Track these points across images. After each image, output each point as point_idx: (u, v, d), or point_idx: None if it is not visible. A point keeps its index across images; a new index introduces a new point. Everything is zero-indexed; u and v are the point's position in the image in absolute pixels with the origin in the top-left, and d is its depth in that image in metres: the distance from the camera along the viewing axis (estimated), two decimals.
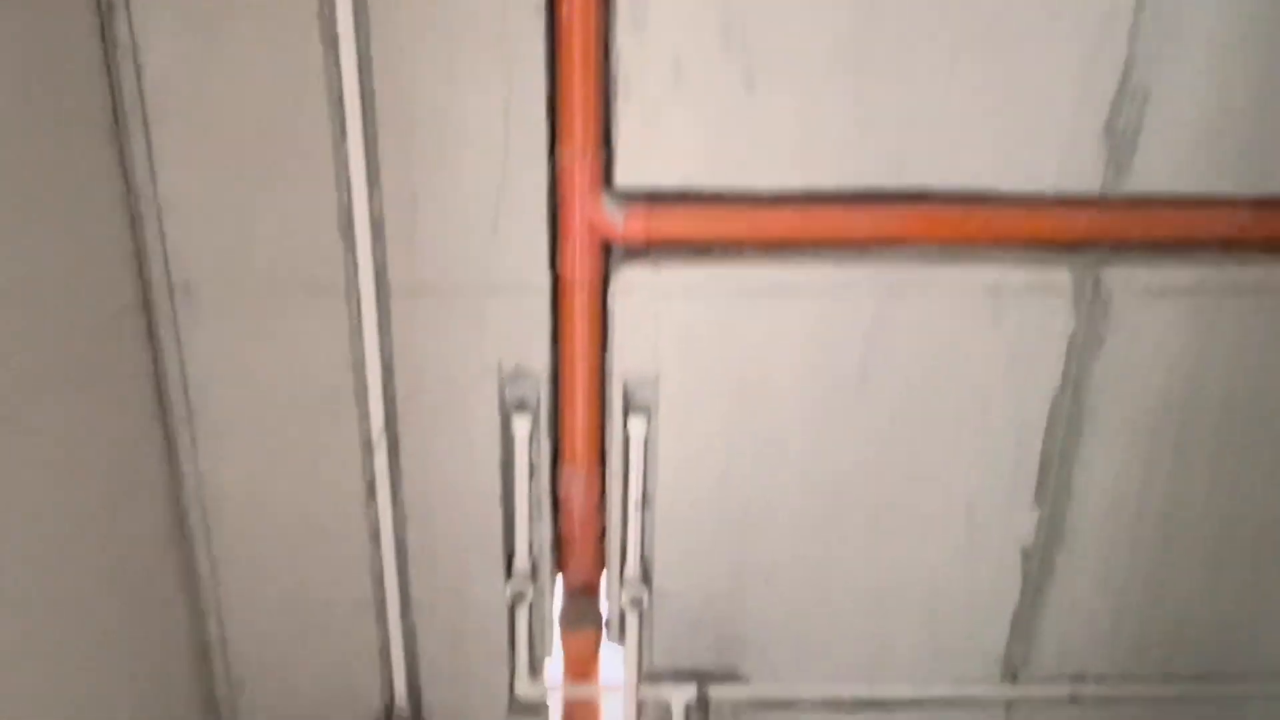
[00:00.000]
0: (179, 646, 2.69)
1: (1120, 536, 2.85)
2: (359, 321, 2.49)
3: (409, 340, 2.54)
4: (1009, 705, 3.05)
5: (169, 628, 2.63)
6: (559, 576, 2.91)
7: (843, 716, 3.03)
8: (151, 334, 2.46)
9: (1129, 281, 2.57)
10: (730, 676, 2.97)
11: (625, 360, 2.60)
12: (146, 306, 2.43)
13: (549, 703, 3.00)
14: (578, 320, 2.55)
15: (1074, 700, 3.03)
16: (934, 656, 2.97)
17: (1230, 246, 2.59)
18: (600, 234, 2.48)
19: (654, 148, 2.43)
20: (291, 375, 2.55)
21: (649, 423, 2.65)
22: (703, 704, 2.99)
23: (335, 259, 2.44)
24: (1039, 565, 2.87)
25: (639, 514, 2.75)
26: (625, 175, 2.44)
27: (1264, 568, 2.93)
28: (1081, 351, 2.63)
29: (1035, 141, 2.44)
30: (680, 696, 2.95)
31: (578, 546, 2.83)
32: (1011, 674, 3.01)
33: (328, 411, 2.59)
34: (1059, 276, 2.56)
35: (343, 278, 2.46)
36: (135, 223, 2.37)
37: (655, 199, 2.47)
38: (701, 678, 2.96)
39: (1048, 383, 2.65)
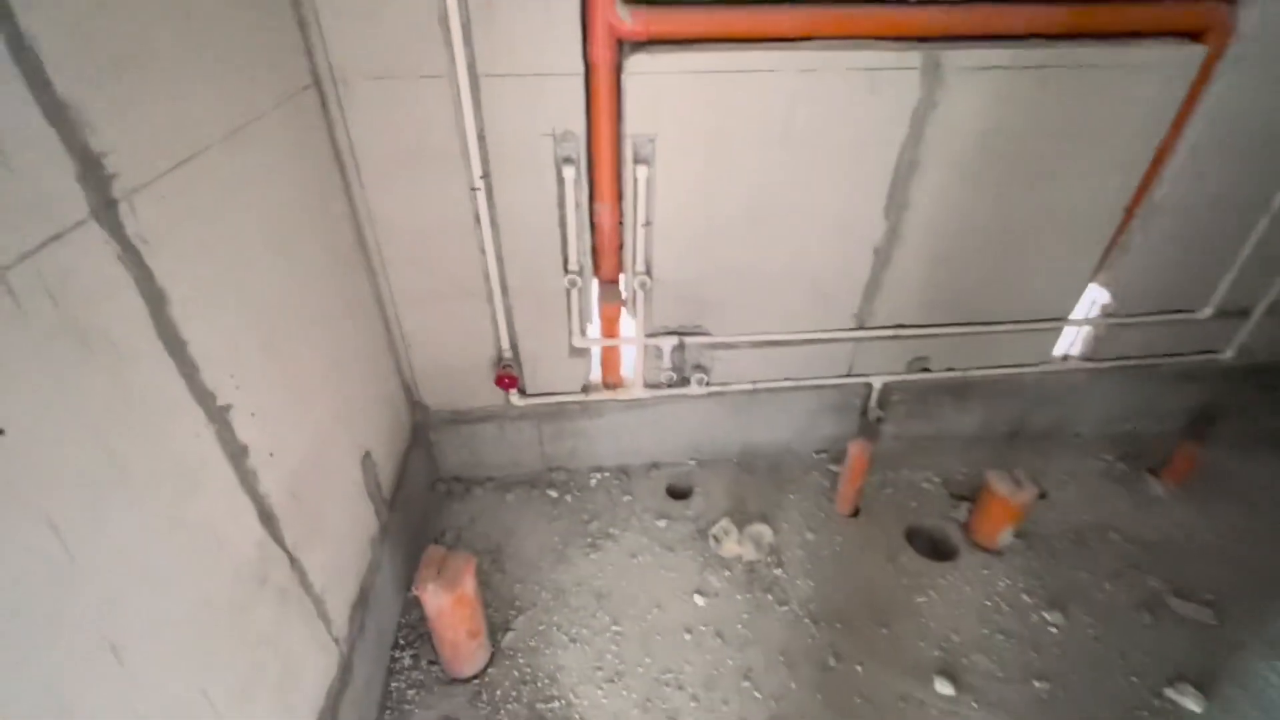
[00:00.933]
0: (372, 317, 2.62)
1: (934, 238, 2.78)
2: (458, 98, 2.23)
3: (494, 113, 2.30)
4: (858, 342, 3.10)
5: (366, 305, 2.55)
6: (595, 274, 2.83)
7: (762, 351, 3.06)
8: (324, 109, 2.20)
9: (958, 61, 2.34)
10: (698, 332, 2.97)
11: (634, 124, 2.38)
12: (319, 88, 2.16)
13: (591, 349, 3.01)
14: (602, 95, 2.30)
15: (895, 338, 3.08)
16: (817, 315, 2.97)
17: (1028, 36, 2.35)
18: (616, 32, 2.19)
19: None
20: (418, 138, 2.31)
21: (650, 169, 2.47)
22: (681, 347, 3.01)
23: (439, 53, 2.15)
24: (883, 258, 2.81)
25: (644, 232, 2.63)
26: None
27: (1018, 258, 2.89)
28: (924, 113, 2.43)
29: None
30: (668, 344, 2.96)
31: (606, 253, 2.73)
32: (861, 324, 3.03)
33: (444, 165, 2.39)
34: (913, 58, 2.32)
35: (446, 66, 2.17)
36: (302, 26, 2.05)
37: (654, 4, 2.17)
38: (681, 333, 2.96)
39: (900, 134, 2.48)
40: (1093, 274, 3.02)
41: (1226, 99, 2.52)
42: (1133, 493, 3.24)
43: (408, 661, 2.52)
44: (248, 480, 1.60)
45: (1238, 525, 3.05)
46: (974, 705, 2.38)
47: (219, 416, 1.50)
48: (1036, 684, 2.45)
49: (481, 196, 2.45)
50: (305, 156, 2.06)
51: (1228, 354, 3.32)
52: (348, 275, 2.37)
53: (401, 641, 2.59)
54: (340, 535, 2.16)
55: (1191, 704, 2.37)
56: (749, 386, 3.16)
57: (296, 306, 1.95)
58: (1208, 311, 3.15)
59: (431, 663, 2.51)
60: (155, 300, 1.31)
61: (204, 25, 1.53)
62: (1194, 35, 2.42)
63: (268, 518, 1.69)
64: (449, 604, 2.21)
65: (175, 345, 1.36)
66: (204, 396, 1.45)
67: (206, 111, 1.53)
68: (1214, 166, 2.70)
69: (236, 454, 1.56)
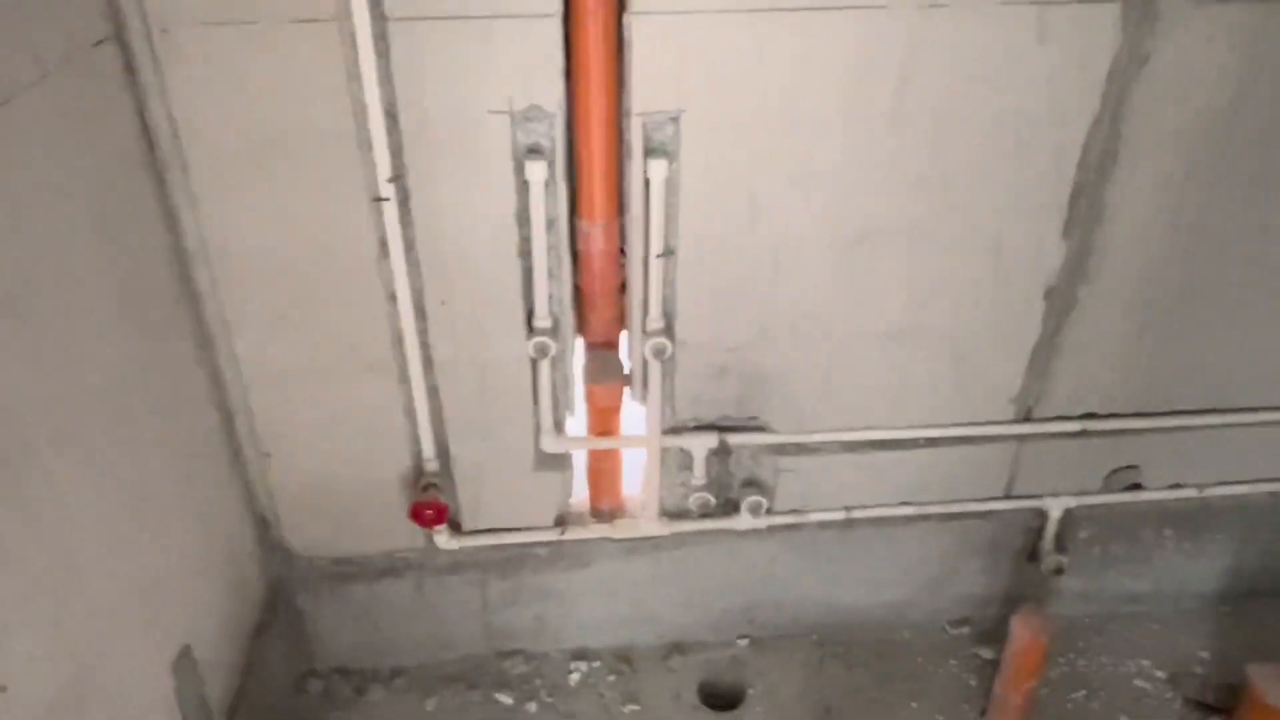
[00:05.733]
0: (201, 414, 2.48)
1: (1146, 273, 2.67)
2: (354, 53, 2.13)
3: (411, 76, 2.19)
4: (1021, 440, 2.96)
5: (190, 395, 2.41)
6: (579, 333, 2.71)
7: (860, 456, 2.93)
8: (131, 75, 2.11)
9: None
10: (751, 425, 2.84)
11: (644, 96, 2.28)
12: (121, 41, 2.06)
13: (572, 454, 2.87)
14: (592, 51, 2.20)
15: (1083, 434, 2.94)
16: (951, 398, 2.85)
17: None
18: None
19: None
20: (287, 117, 2.21)
21: (670, 165, 2.36)
22: (723, 450, 2.87)
23: None
24: (1062, 304, 2.70)
25: (662, 265, 2.51)
26: None
27: None
28: (1125, 71, 2.34)
29: None
30: (701, 445, 2.82)
31: (598, 300, 2.61)
32: (1025, 412, 2.89)
33: (328, 161, 2.28)
34: None
35: (335, 2, 2.08)
36: None
37: None
38: (723, 427, 2.82)
39: (1087, 107, 2.39)
40: None
41: None
42: None
43: None
44: None
45: None
46: None
47: None
48: None
49: (391, 210, 2.34)
50: (88, 154, 1.93)
51: None
52: (157, 347, 2.24)
53: None
54: None
55: None
56: (839, 515, 3.03)
57: (56, 423, 1.78)
58: None
59: None
60: None
61: None
62: None
63: None
64: None
65: None
66: None
67: None
68: None
69: None
